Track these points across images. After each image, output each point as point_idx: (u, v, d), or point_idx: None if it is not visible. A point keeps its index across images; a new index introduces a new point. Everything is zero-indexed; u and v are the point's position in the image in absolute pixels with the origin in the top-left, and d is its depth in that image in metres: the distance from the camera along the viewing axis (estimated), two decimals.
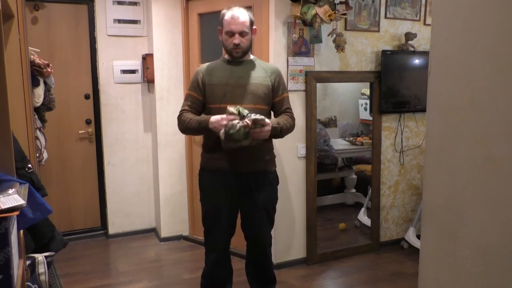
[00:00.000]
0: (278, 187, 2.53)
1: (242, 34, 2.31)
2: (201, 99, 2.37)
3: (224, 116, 2.16)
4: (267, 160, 2.42)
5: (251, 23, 2.36)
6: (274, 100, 2.41)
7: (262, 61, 2.51)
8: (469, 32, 0.90)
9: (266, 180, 2.41)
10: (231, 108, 2.15)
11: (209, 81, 2.35)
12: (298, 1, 2.92)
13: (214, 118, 2.21)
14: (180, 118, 2.37)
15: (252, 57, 2.46)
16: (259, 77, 2.37)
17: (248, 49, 2.40)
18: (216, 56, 3.61)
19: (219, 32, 2.40)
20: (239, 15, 2.30)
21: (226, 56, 2.43)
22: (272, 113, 2.49)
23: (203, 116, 2.31)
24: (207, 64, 2.47)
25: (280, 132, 2.33)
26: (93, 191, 4.03)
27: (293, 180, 3.30)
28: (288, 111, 2.45)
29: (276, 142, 2.57)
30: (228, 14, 2.32)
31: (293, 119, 2.45)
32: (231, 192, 2.37)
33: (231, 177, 2.35)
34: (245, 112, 2.14)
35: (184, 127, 2.35)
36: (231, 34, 2.31)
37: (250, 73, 2.37)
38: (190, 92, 2.40)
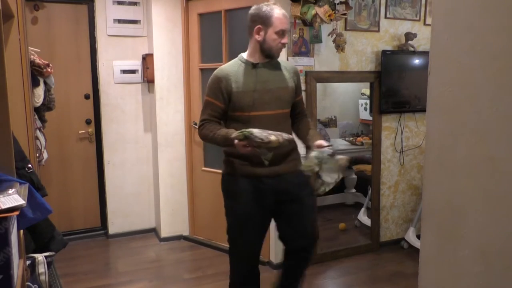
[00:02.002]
0: None
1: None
2: (223, 107, 2.20)
3: (246, 146, 2.01)
4: (295, 160, 2.32)
5: None
6: (296, 98, 2.34)
7: (281, 59, 2.36)
8: (469, 32, 0.90)
9: (299, 179, 2.29)
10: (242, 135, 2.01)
11: (235, 88, 2.17)
12: (298, 1, 2.92)
13: (238, 143, 2.02)
14: (202, 129, 2.22)
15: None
16: (284, 79, 2.26)
17: None
18: (216, 56, 3.65)
19: (259, 30, 2.18)
20: (285, 13, 2.20)
21: (251, 59, 2.24)
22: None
23: (228, 133, 2.10)
24: (227, 68, 2.26)
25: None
26: (93, 191, 4.03)
27: None
28: (305, 113, 2.44)
29: None
30: (277, 12, 2.16)
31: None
32: (265, 198, 2.23)
33: (263, 182, 2.21)
34: (256, 134, 1.99)
35: (208, 140, 2.21)
36: (283, 33, 2.17)
37: (275, 76, 2.25)
38: (211, 100, 2.22)
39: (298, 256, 2.36)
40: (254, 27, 2.20)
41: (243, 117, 2.18)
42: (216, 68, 3.56)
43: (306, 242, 2.33)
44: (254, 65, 2.23)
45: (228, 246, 2.36)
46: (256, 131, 1.97)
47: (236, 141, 2.02)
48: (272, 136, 1.97)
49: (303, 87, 3.23)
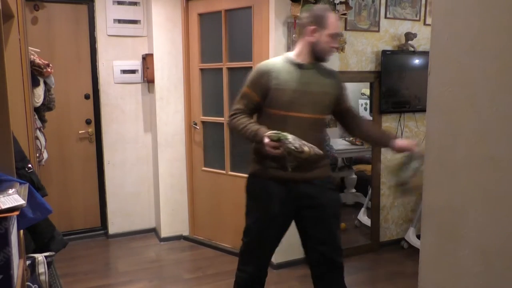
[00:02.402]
0: None
1: None
2: (259, 101, 2.17)
3: (277, 147, 1.97)
4: (324, 166, 2.26)
5: None
6: (343, 106, 2.28)
7: (324, 65, 2.29)
8: (469, 32, 0.90)
9: (327, 186, 2.25)
10: (274, 136, 1.98)
11: (276, 84, 2.12)
12: (298, 1, 2.92)
13: (268, 142, 1.99)
14: (233, 119, 2.19)
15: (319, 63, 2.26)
16: (326, 84, 2.21)
17: None
18: (216, 56, 3.65)
19: (313, 31, 2.13)
20: (338, 17, 2.21)
21: (298, 59, 2.19)
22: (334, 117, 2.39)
23: (260, 130, 2.07)
24: (271, 63, 2.22)
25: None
26: (93, 191, 4.03)
27: None
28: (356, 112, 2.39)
29: None
30: (332, 16, 2.15)
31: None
32: (288, 202, 2.19)
33: (289, 187, 2.17)
34: (288, 139, 1.95)
35: (237, 131, 2.18)
36: (336, 36, 2.17)
37: (319, 80, 2.20)
38: (248, 91, 2.18)
39: (324, 267, 2.27)
40: (307, 28, 2.15)
41: (279, 116, 2.13)
42: (216, 68, 3.60)
43: (326, 249, 2.25)
44: (300, 66, 2.18)
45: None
46: (291, 137, 1.94)
47: (266, 139, 1.99)
48: (306, 147, 1.93)
49: None
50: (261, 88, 2.15)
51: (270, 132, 2.00)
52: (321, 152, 2.01)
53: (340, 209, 2.33)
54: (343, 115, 2.32)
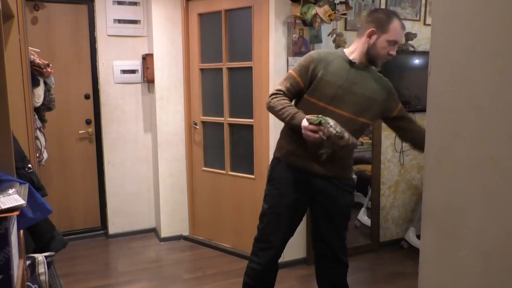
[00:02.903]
0: None
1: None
2: (302, 86, 2.14)
3: (316, 131, 1.94)
4: (347, 167, 2.27)
5: None
6: (394, 114, 2.23)
7: (376, 71, 2.26)
8: (469, 32, 0.90)
9: (344, 186, 2.26)
10: (315, 120, 1.95)
11: (323, 75, 2.10)
12: (298, 1, 2.92)
13: (307, 126, 1.96)
14: (272, 99, 2.14)
15: (370, 66, 2.22)
16: (372, 89, 2.16)
17: None
18: (216, 56, 3.65)
19: (372, 33, 2.10)
20: (404, 25, 2.13)
21: (351, 57, 2.16)
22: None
23: (300, 113, 2.04)
24: (323, 53, 2.18)
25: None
26: (93, 191, 4.03)
27: None
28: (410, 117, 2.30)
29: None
30: (397, 22, 2.09)
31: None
32: (304, 192, 2.20)
33: (308, 177, 2.18)
34: (330, 123, 1.93)
35: (275, 111, 2.12)
36: (394, 43, 2.10)
37: (366, 82, 2.16)
38: (294, 75, 2.15)
39: (328, 262, 2.32)
40: (368, 28, 2.12)
41: (318, 106, 2.10)
42: (216, 68, 3.60)
43: (332, 246, 2.28)
44: (351, 63, 2.16)
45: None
46: (332, 122, 1.92)
47: (305, 123, 1.96)
48: (346, 133, 1.92)
49: None
50: (307, 74, 2.13)
51: (310, 116, 1.97)
52: (357, 143, 1.99)
53: (350, 211, 2.34)
54: (398, 117, 2.25)
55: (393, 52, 2.12)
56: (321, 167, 2.15)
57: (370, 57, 2.14)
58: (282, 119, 2.12)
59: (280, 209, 2.22)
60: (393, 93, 2.25)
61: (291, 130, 2.16)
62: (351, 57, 2.16)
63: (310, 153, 2.12)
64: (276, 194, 2.23)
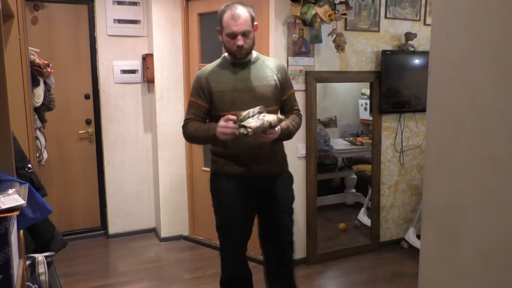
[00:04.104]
0: None
1: (245, 34, 2.09)
2: (206, 106, 2.20)
3: (230, 121, 2.01)
4: (280, 161, 2.34)
5: (253, 19, 2.15)
6: (282, 98, 2.29)
7: (265, 57, 2.32)
8: (469, 32, 0.90)
9: (282, 181, 2.32)
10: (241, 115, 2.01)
11: (215, 88, 2.17)
12: (298, 1, 2.92)
13: (220, 123, 2.04)
14: (185, 127, 2.21)
15: (255, 55, 2.25)
16: (266, 77, 2.21)
17: (252, 48, 2.20)
18: (216, 56, 3.63)
19: (218, 32, 2.19)
20: (240, 13, 2.07)
21: (229, 57, 2.23)
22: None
23: (211, 126, 2.14)
24: (209, 68, 2.26)
25: (289, 135, 2.24)
26: (93, 191, 4.03)
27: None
28: (296, 109, 2.35)
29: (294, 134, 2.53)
30: (227, 14, 2.09)
31: (300, 117, 2.36)
32: (247, 196, 2.26)
33: (246, 182, 2.23)
34: (255, 111, 1.99)
35: (191, 136, 2.21)
36: (233, 35, 2.09)
37: (257, 74, 2.20)
38: (194, 100, 2.22)
39: (275, 255, 2.37)
40: (217, 29, 2.20)
41: (224, 116, 2.12)
42: None
43: (279, 245, 2.34)
44: (234, 64, 2.21)
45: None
46: (245, 112, 1.99)
47: (220, 122, 2.02)
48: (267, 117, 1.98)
49: (303, 87, 3.24)
50: (204, 93, 2.19)
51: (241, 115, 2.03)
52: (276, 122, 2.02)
53: (292, 205, 2.40)
54: (282, 106, 2.32)
55: (240, 43, 2.10)
56: (256, 169, 2.21)
57: (229, 53, 2.19)
58: (201, 138, 2.18)
59: (230, 219, 2.27)
60: (286, 74, 2.32)
61: (216, 145, 2.25)
62: (230, 59, 2.22)
63: (241, 160, 2.20)
64: (223, 208, 2.29)
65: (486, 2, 0.86)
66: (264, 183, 2.27)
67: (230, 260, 2.36)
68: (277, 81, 2.24)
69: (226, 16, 2.11)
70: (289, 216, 2.36)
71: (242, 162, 2.21)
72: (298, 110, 2.38)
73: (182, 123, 2.26)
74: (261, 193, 2.29)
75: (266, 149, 2.20)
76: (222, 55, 2.30)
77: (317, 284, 3.19)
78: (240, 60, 2.20)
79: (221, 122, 2.04)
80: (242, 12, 2.10)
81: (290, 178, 2.39)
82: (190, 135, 2.21)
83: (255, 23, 2.20)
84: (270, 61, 2.30)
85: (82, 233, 4.01)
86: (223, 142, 2.13)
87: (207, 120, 2.28)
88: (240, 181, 2.23)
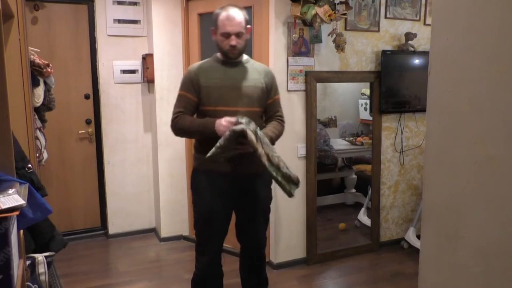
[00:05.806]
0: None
1: (238, 35, 2.22)
2: (196, 100, 2.27)
3: (232, 120, 2.10)
4: (258, 163, 2.36)
5: (246, 22, 2.27)
6: (266, 102, 2.36)
7: (255, 61, 2.44)
8: (469, 32, 0.90)
9: (261, 182, 2.38)
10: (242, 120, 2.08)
11: (204, 83, 2.25)
12: (298, 1, 2.92)
13: (221, 121, 2.12)
14: (176, 120, 2.27)
15: (245, 57, 2.37)
16: (253, 79, 2.31)
17: (244, 50, 2.32)
18: None
19: (213, 32, 2.29)
20: (235, 15, 2.21)
21: (220, 57, 2.33)
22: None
23: (207, 119, 2.21)
24: (199, 63, 2.38)
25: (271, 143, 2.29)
26: (93, 191, 4.03)
27: None
28: (278, 115, 2.41)
29: (276, 142, 2.56)
30: (223, 15, 2.22)
31: (282, 124, 2.41)
32: (226, 194, 2.32)
33: (226, 179, 2.29)
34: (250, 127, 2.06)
35: (184, 130, 2.28)
36: (227, 35, 2.21)
37: (245, 75, 2.30)
38: (184, 93, 2.30)
39: (250, 252, 2.51)
40: (211, 28, 2.30)
41: (211, 111, 2.24)
42: None
43: (253, 243, 2.47)
44: (224, 63, 2.31)
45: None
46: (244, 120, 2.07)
47: (221, 121, 2.11)
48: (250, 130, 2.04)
49: (303, 87, 3.24)
50: (194, 87, 2.27)
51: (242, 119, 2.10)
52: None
53: (270, 205, 2.50)
54: (266, 110, 2.39)
55: (233, 43, 2.22)
56: (237, 167, 2.26)
57: (222, 53, 2.29)
58: (194, 132, 2.28)
59: (209, 215, 2.34)
60: (273, 80, 2.39)
61: (202, 142, 2.30)
62: (222, 58, 2.32)
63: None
64: (201, 203, 2.36)
65: (486, 2, 0.86)
66: (244, 182, 2.33)
67: (205, 256, 2.42)
68: (264, 85, 2.33)
69: (222, 16, 2.23)
70: (266, 215, 2.47)
71: (225, 160, 2.25)
72: (281, 116, 2.43)
73: (172, 118, 2.30)
74: (241, 192, 2.34)
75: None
76: (214, 55, 2.40)
77: (317, 284, 3.19)
78: (231, 60, 2.31)
79: (223, 122, 2.12)
80: (237, 14, 2.23)
81: (270, 179, 2.41)
82: (183, 128, 2.27)
83: (248, 26, 2.31)
84: (259, 66, 2.42)
85: (82, 233, 4.01)
86: (209, 139, 2.17)
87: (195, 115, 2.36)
88: (220, 178, 2.29)
